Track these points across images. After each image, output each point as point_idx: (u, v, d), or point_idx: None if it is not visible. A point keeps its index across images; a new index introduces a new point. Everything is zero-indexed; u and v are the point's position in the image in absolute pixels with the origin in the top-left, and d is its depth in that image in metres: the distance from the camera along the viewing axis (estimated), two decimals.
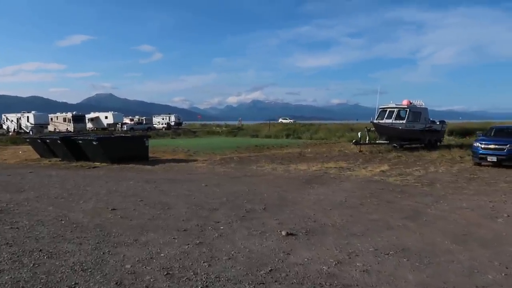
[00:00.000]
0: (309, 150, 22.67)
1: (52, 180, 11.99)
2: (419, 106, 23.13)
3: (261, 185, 10.99)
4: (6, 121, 50.06)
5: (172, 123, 68.06)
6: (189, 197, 9.08)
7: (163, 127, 63.77)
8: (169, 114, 76.23)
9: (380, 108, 23.11)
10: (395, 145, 22.47)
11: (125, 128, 55.69)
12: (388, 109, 22.60)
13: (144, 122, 64.57)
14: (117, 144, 16.66)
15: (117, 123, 58.11)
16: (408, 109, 22.09)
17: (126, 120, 64.00)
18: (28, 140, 20.26)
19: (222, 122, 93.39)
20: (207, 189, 10.16)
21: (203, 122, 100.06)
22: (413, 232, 6.29)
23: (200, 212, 7.59)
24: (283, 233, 6.08)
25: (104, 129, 54.85)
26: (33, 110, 49.79)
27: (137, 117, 71.81)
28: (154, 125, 64.86)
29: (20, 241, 5.52)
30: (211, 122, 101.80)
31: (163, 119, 71.28)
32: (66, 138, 17.16)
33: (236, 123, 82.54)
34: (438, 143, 23.88)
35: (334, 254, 5.21)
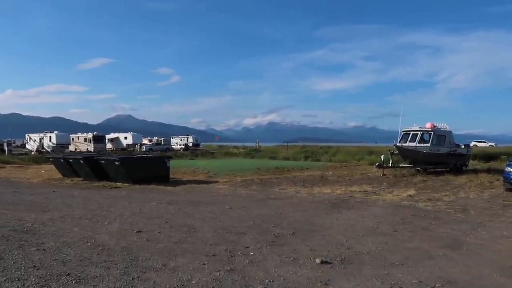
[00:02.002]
0: (331, 172, 22.26)
1: (75, 200, 11.93)
2: (443, 129, 22.61)
3: (286, 208, 10.69)
4: (30, 140, 51.12)
5: (190, 144, 68.46)
6: (214, 220, 8.85)
7: (181, 148, 64.17)
8: (187, 135, 76.81)
9: (403, 131, 22.67)
10: (418, 168, 21.89)
11: (143, 149, 56.21)
12: (412, 132, 22.14)
13: (162, 143, 65.12)
14: (139, 165, 16.64)
15: (136, 144, 58.77)
16: (432, 132, 21.60)
17: (145, 141, 64.64)
18: (51, 159, 20.48)
19: (240, 144, 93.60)
20: (232, 212, 9.92)
21: (220, 144, 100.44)
22: (456, 262, 5.90)
23: (227, 236, 7.33)
24: (317, 261, 5.76)
25: (123, 149, 55.48)
26: (55, 131, 50.79)
27: (155, 138, 72.52)
28: (172, 146, 65.32)
29: (47, 264, 5.35)
30: (229, 144, 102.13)
31: (181, 140, 71.83)
32: (88, 158, 17.24)
33: (253, 144, 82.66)
34: (464, 168, 23.17)
35: (376, 286, 4.87)
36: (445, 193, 13.88)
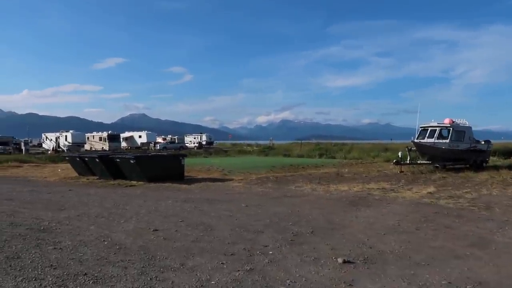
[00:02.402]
0: (347, 170, 21.95)
1: (91, 198, 11.94)
2: (462, 125, 22.07)
3: (303, 206, 10.50)
4: (46, 140, 51.82)
5: (204, 142, 68.62)
6: (230, 218, 8.71)
7: (195, 146, 64.38)
8: (201, 133, 77.05)
9: (421, 127, 22.20)
10: (437, 165, 21.43)
11: (158, 147, 56.56)
12: (430, 128, 21.66)
13: (176, 141, 65.40)
14: (154, 163, 16.61)
15: (150, 142, 59.15)
16: (451, 128, 21.09)
17: (159, 140, 65.00)
18: (67, 158, 20.62)
19: (253, 142, 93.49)
20: (248, 210, 9.77)
21: (233, 142, 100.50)
22: (485, 262, 5.64)
23: (244, 234, 7.18)
24: (339, 260, 5.57)
25: (137, 148, 55.91)
26: (70, 130, 51.38)
27: (169, 136, 72.89)
28: (186, 144, 65.59)
29: (64, 263, 5.27)
30: (242, 142, 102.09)
31: (194, 138, 72.08)
32: (104, 157, 17.29)
33: (266, 142, 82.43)
34: (484, 164, 22.59)
35: (403, 287, 4.66)
36: (466, 190, 13.50)
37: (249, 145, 77.90)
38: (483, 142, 23.43)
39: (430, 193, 13.06)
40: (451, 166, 21.66)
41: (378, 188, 14.26)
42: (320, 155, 40.05)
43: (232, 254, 5.90)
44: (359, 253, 6.02)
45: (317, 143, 65.01)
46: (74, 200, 11.52)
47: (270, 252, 6.04)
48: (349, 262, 5.54)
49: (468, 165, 21.50)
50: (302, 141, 65.15)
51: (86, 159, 18.01)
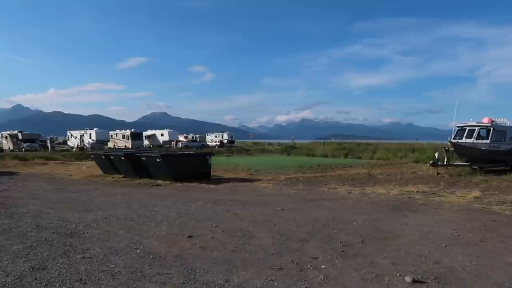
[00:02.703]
0: (378, 171, 20.99)
1: (118, 198, 11.46)
2: (503, 124, 20.79)
3: (343, 211, 9.73)
4: (71, 137, 52.37)
5: (225, 141, 68.26)
6: (268, 223, 8.02)
7: (216, 144, 64.05)
8: (222, 132, 76.73)
9: (458, 127, 21.04)
10: (474, 167, 20.20)
11: (180, 146, 56.42)
12: (468, 128, 20.49)
13: (198, 139, 65.22)
14: (181, 162, 16.10)
15: (172, 141, 59.06)
16: (491, 128, 19.87)
17: (181, 138, 64.93)
18: (92, 156, 20.36)
19: (274, 141, 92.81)
20: (285, 214, 9.06)
21: (254, 140, 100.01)
22: None
23: (288, 243, 6.48)
24: (408, 279, 4.80)
25: (159, 146, 55.87)
26: (94, 128, 51.74)
27: (191, 134, 72.84)
28: (207, 143, 65.33)
29: (94, 277, 4.68)
30: (263, 141, 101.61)
31: (216, 137, 71.75)
32: (129, 155, 16.89)
33: (287, 141, 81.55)
34: None
35: None
36: None
37: (270, 144, 77.26)
38: None
39: (477, 197, 12.09)
40: (490, 168, 20.41)
41: (418, 192, 13.36)
42: (346, 155, 39.04)
43: (280, 268, 5.20)
44: (426, 269, 5.24)
45: (340, 143, 63.85)
46: (100, 200, 11.06)
47: (323, 266, 5.32)
48: (419, 281, 4.77)
49: (509, 168, 20.23)
50: (325, 141, 64.10)
51: (112, 157, 17.65)
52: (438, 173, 18.80)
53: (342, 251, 6.06)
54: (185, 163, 16.15)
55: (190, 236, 6.80)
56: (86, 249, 5.88)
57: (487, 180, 16.63)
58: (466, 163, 19.82)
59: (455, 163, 20.14)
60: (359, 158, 36.10)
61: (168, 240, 6.58)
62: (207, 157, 16.89)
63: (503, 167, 20.49)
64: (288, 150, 50.81)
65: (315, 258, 5.69)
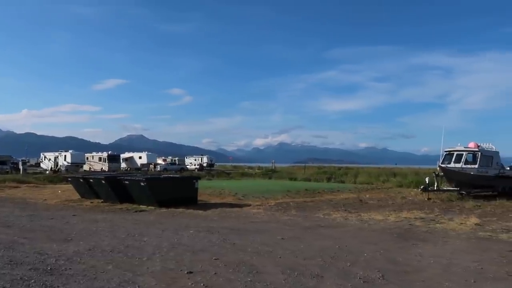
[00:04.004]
0: (368, 196, 20.54)
1: (100, 226, 10.47)
2: (490, 149, 20.83)
3: (347, 240, 9.08)
4: (44, 159, 50.28)
5: (205, 164, 67.07)
6: (272, 255, 7.28)
7: (196, 168, 62.79)
8: (202, 155, 75.50)
9: (446, 151, 20.96)
10: (462, 192, 19.99)
11: (158, 169, 54.99)
12: (456, 152, 20.41)
13: (177, 162, 63.85)
14: (166, 186, 15.19)
15: (151, 163, 57.51)
16: (479, 152, 19.84)
17: (159, 161, 63.41)
18: (69, 179, 19.16)
19: (254, 164, 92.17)
20: (288, 244, 8.33)
21: (234, 164, 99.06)
22: None
23: (302, 280, 5.75)
24: None
25: (137, 169, 54.21)
26: (68, 150, 49.87)
27: (169, 157, 71.35)
28: (186, 166, 64.00)
29: None
30: (243, 164, 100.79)
31: (195, 160, 70.47)
32: (111, 178, 15.88)
33: (266, 165, 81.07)
34: None
35: None
36: None
37: (250, 167, 76.53)
38: (508, 168, 22.16)
39: (478, 224, 11.67)
40: (477, 194, 20.26)
41: (415, 218, 12.89)
42: (328, 179, 38.69)
43: None
44: None
45: (320, 167, 63.78)
46: (81, 228, 10.06)
47: None
48: None
49: (496, 193, 20.15)
50: (304, 165, 64.03)
51: (91, 180, 16.58)
52: (429, 198, 18.47)
53: None
54: (171, 187, 15.24)
55: (190, 272, 5.98)
56: None
57: (479, 205, 16.37)
58: (455, 188, 19.61)
59: (445, 188, 19.91)
60: (342, 182, 35.80)
61: (165, 277, 5.74)
62: (194, 181, 16.04)
63: (490, 192, 20.41)
64: (269, 174, 50.19)
65: None
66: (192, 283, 5.45)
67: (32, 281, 5.35)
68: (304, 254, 7.45)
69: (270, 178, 43.81)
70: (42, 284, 5.20)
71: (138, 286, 5.24)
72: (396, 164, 69.53)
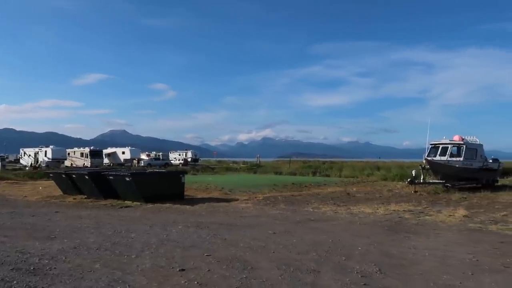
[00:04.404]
0: (355, 189, 20.57)
1: (85, 222, 10.11)
2: (474, 142, 21.09)
3: (339, 233, 8.97)
4: (24, 155, 48.98)
5: (189, 159, 66.49)
6: (265, 250, 7.09)
7: (180, 163, 62.22)
8: (186, 150, 74.81)
9: (431, 144, 21.12)
10: (447, 185, 20.17)
11: (142, 164, 54.20)
12: (441, 145, 20.60)
13: (161, 158, 63.09)
14: (152, 181, 14.85)
15: (134, 159, 56.68)
16: (464, 145, 20.06)
17: (143, 156, 62.54)
18: (51, 175, 18.59)
19: (239, 159, 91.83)
20: (279, 239, 8.15)
21: (218, 159, 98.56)
22: None
23: (299, 275, 5.58)
24: None
25: (120, 164, 53.37)
26: (49, 145, 48.65)
27: (153, 152, 70.47)
28: (171, 161, 63.31)
29: None
30: (227, 159, 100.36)
31: (179, 155, 69.79)
32: (94, 174, 15.45)
33: (250, 160, 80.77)
34: (495, 184, 21.58)
35: None
36: (503, 213, 12.22)
37: (235, 162, 76.16)
38: (491, 161, 22.51)
39: (466, 216, 11.74)
40: (461, 186, 20.50)
41: (404, 211, 12.92)
42: (314, 173, 38.80)
43: None
44: None
45: (305, 161, 63.97)
46: (64, 225, 9.68)
47: None
48: None
49: (480, 185, 20.43)
50: (285, 159, 64.09)
51: (74, 176, 16.09)
52: (415, 191, 18.60)
53: (364, 284, 5.24)
54: (157, 182, 14.91)
55: (182, 270, 5.74)
56: None
57: (465, 197, 16.54)
58: (441, 181, 19.79)
59: (431, 181, 20.08)
60: (328, 176, 35.91)
61: (157, 275, 5.49)
62: (180, 175, 15.73)
63: (474, 185, 20.68)
64: (254, 168, 50.05)
65: None
66: (185, 281, 5.22)
67: (15, 282, 5.03)
68: (298, 248, 7.29)
69: (255, 172, 43.67)
70: (26, 286, 4.89)
71: (129, 286, 4.98)
72: (379, 157, 70.16)
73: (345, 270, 5.92)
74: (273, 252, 6.96)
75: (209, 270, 5.75)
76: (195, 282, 5.18)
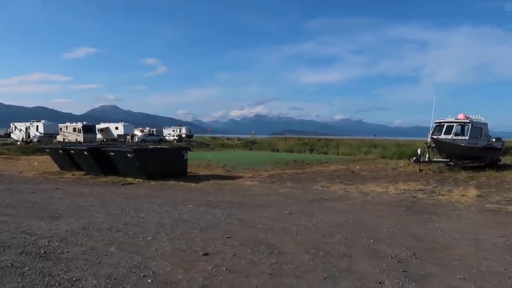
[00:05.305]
0: (358, 167, 20.26)
1: (88, 200, 9.64)
2: (479, 121, 20.76)
3: (357, 214, 8.62)
4: (15, 130, 47.89)
5: (183, 135, 65.78)
6: (287, 232, 6.71)
7: (174, 139, 61.51)
8: (180, 126, 73.97)
9: (436, 123, 20.75)
10: (450, 163, 19.92)
11: (136, 140, 53.44)
12: (446, 124, 20.22)
13: (155, 133, 62.30)
14: (154, 157, 14.33)
15: (128, 134, 55.84)
16: (470, 124, 19.73)
17: (137, 132, 61.68)
18: (47, 150, 17.95)
19: (233, 135, 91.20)
20: (298, 220, 7.77)
21: (212, 135, 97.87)
22: None
23: (331, 260, 5.21)
24: None
25: (114, 140, 52.57)
26: (39, 120, 47.52)
27: (147, 128, 69.58)
28: (165, 137, 62.58)
29: None
30: (221, 135, 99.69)
31: (174, 131, 68.92)
32: (94, 149, 14.87)
33: (246, 136, 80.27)
34: (498, 163, 21.40)
35: None
36: None
37: (229, 139, 75.63)
38: (494, 140, 22.26)
39: (479, 196, 11.50)
40: (466, 165, 20.29)
41: (415, 190, 12.63)
42: (311, 151, 38.51)
43: None
44: None
45: (300, 138, 63.66)
46: (67, 203, 9.20)
47: None
48: None
49: (483, 164, 20.23)
50: (285, 136, 63.80)
51: (72, 151, 15.50)
52: (420, 170, 18.33)
53: (404, 271, 4.88)
54: (160, 159, 14.40)
55: (206, 254, 5.33)
56: (75, 279, 4.26)
57: (472, 177, 16.30)
58: (446, 160, 19.53)
59: (436, 160, 19.82)
60: (325, 153, 35.61)
61: (180, 260, 5.08)
62: (183, 152, 15.24)
63: (477, 164, 20.48)
64: (250, 145, 49.70)
65: (380, 283, 4.46)
66: (212, 267, 4.81)
67: (26, 268, 4.57)
68: (320, 230, 6.92)
69: (251, 149, 43.29)
70: (39, 272, 4.43)
71: (153, 272, 4.55)
72: (375, 135, 70.06)
73: (377, 254, 5.57)
74: (296, 235, 6.58)
75: (234, 255, 5.34)
76: (223, 268, 4.77)
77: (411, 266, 5.09)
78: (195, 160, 20.73)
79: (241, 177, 15.26)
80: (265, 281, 4.42)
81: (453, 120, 20.29)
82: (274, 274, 4.66)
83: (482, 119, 21.18)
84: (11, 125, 50.06)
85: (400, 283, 4.48)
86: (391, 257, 5.43)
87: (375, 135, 69.74)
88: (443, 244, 6.24)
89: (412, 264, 5.20)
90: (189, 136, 67.86)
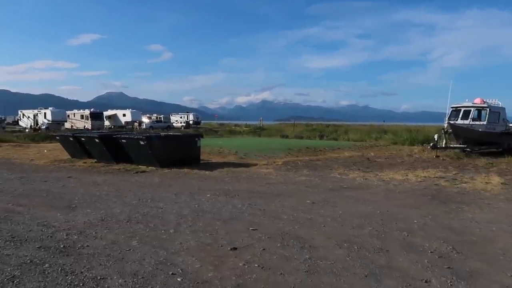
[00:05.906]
0: (372, 154, 19.86)
1: (103, 189, 9.38)
2: (497, 106, 20.19)
3: (384, 203, 8.27)
4: (23, 117, 47.90)
5: (191, 122, 65.57)
6: (314, 224, 6.38)
7: (182, 125, 61.31)
8: (187, 112, 73.71)
9: (452, 107, 20.23)
10: (467, 149, 19.44)
11: (143, 126, 53.33)
12: (463, 109, 19.71)
13: (163, 120, 62.11)
14: (168, 145, 14.02)
15: (135, 121, 55.68)
16: (488, 109, 19.19)
17: (144, 119, 61.50)
18: (58, 137, 17.73)
19: (240, 122, 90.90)
20: (322, 210, 7.45)
21: (219, 122, 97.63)
22: None
23: (369, 256, 4.88)
24: None
25: (121, 127, 52.50)
26: (46, 107, 47.45)
27: (155, 115, 69.40)
28: (172, 124, 62.38)
29: None
30: (228, 122, 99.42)
31: (181, 117, 68.73)
32: (106, 137, 14.59)
33: (253, 122, 79.89)
34: None
35: None
36: None
37: (237, 125, 75.28)
38: (511, 124, 21.70)
39: (504, 183, 11.09)
40: (483, 150, 19.80)
41: (436, 177, 12.23)
42: (321, 137, 38.09)
43: None
44: None
45: (308, 124, 63.14)
46: (82, 192, 8.94)
47: None
48: None
49: (501, 150, 19.72)
50: (293, 122, 63.36)
51: (83, 139, 15.24)
52: (437, 156, 17.90)
53: (448, 268, 4.54)
54: (173, 146, 14.09)
55: (234, 248, 5.04)
56: (100, 278, 3.98)
57: (492, 163, 15.85)
58: (463, 146, 19.06)
59: (452, 146, 19.35)
60: (335, 139, 35.17)
61: (207, 255, 4.78)
62: (196, 139, 14.91)
63: (495, 149, 19.99)
64: (258, 131, 49.37)
65: (427, 282, 4.13)
66: (243, 263, 4.51)
67: (46, 265, 4.30)
68: (348, 222, 6.59)
69: (259, 135, 42.94)
70: (61, 270, 4.16)
71: (181, 270, 4.25)
72: (384, 121, 69.32)
73: (415, 248, 5.23)
74: (324, 226, 6.26)
75: (264, 249, 5.04)
76: (255, 265, 4.46)
77: (455, 262, 4.75)
78: (207, 147, 20.42)
79: (255, 165, 14.94)
80: (303, 279, 4.11)
81: (470, 104, 19.76)
82: (311, 271, 4.35)
83: (500, 104, 20.61)
84: (19, 112, 50.10)
85: (448, 281, 4.15)
86: (431, 252, 5.09)
87: (384, 121, 68.90)
88: (481, 236, 5.89)
89: (454, 259, 4.86)
90: (196, 122, 67.66)
